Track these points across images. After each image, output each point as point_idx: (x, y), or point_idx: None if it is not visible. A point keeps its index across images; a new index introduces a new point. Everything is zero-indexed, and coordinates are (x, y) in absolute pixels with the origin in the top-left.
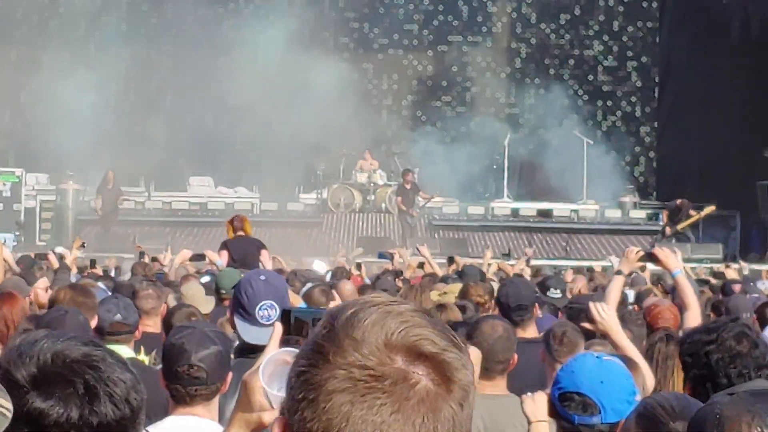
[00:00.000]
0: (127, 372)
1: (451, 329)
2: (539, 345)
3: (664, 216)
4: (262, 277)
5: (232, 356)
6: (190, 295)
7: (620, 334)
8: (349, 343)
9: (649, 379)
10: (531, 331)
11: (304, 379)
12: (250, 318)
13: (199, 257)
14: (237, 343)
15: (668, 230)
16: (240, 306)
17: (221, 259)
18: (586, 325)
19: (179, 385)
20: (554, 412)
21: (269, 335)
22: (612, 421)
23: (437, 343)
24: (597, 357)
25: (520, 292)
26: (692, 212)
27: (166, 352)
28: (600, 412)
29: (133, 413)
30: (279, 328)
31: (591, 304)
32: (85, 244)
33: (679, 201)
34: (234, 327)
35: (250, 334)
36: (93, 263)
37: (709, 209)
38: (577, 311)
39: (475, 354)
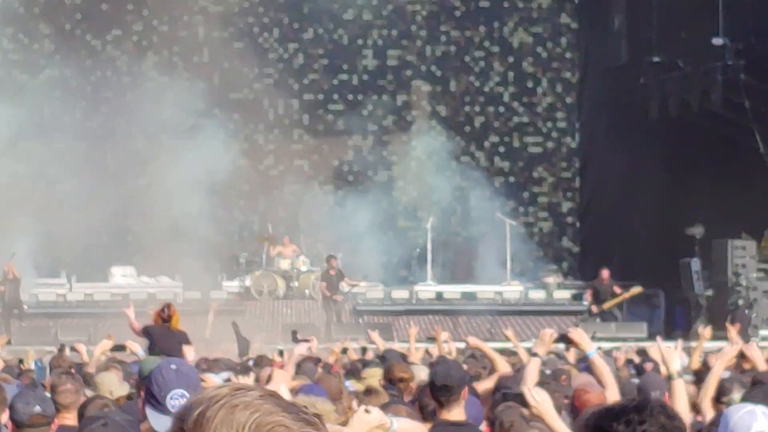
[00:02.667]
0: None
1: (300, 407)
2: (465, 429)
3: (588, 295)
4: (173, 366)
5: None
6: (104, 383)
7: (555, 417)
8: None
9: None
10: (456, 414)
11: None
12: (161, 407)
13: (119, 348)
14: None
15: (594, 309)
16: (151, 395)
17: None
18: (522, 410)
19: None
20: None
21: None
22: None
23: (291, 427)
24: None
25: (449, 372)
26: (617, 290)
27: None
28: None
29: None
30: None
31: (526, 390)
32: (11, 342)
33: (603, 271)
34: (145, 416)
35: (161, 423)
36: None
37: (636, 290)
38: (512, 396)
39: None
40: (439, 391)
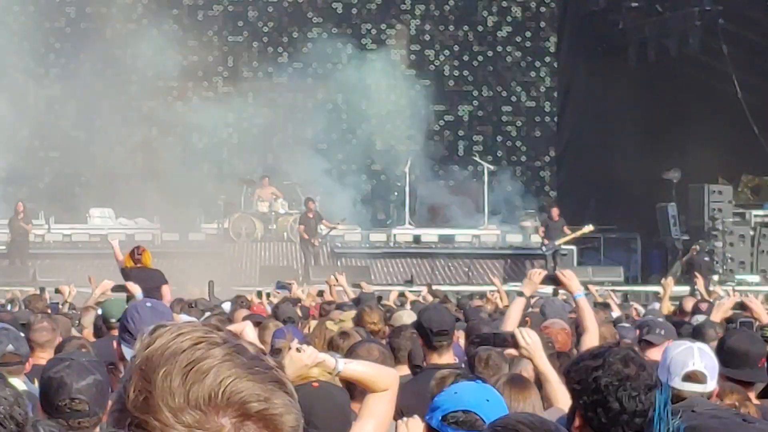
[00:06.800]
0: (6, 389)
1: (265, 360)
2: (460, 369)
3: (540, 231)
4: (149, 305)
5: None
6: (86, 322)
7: (543, 359)
8: (170, 415)
9: (564, 404)
10: (447, 357)
11: None
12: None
13: (120, 288)
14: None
15: (546, 242)
16: (127, 332)
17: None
18: (511, 351)
19: (61, 418)
20: None
21: None
22: None
23: (262, 394)
24: (475, 381)
25: (443, 317)
26: (567, 230)
27: (45, 385)
28: None
29: (18, 428)
30: None
31: (516, 330)
32: None
33: (553, 209)
34: (121, 356)
35: None
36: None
37: (587, 229)
38: (502, 337)
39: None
40: (435, 336)
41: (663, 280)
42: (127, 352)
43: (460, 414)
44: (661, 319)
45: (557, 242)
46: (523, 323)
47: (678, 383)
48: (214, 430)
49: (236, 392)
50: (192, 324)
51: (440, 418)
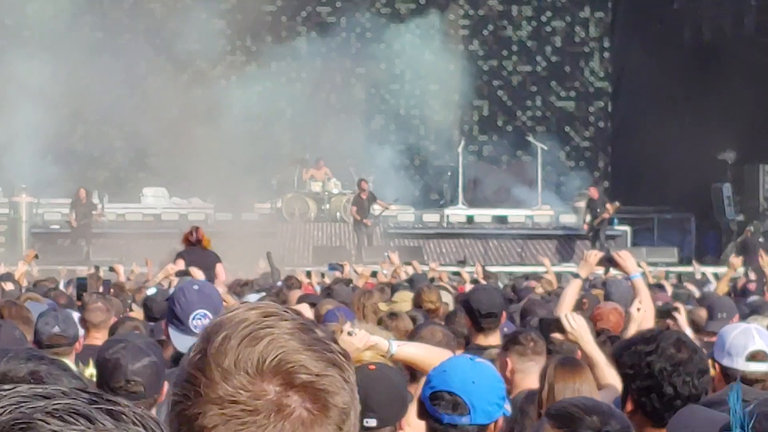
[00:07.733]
0: (73, 379)
1: (327, 344)
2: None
3: (585, 214)
4: (196, 287)
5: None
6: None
7: (591, 343)
8: (218, 374)
9: (617, 383)
10: (492, 339)
11: (179, 410)
12: (183, 327)
13: (184, 273)
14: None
15: (585, 227)
16: (174, 316)
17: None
18: (557, 335)
19: None
20: (424, 411)
21: None
22: (481, 423)
23: (312, 369)
24: (470, 359)
25: (493, 300)
26: (608, 206)
27: (101, 367)
28: (469, 412)
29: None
30: None
31: (562, 315)
32: (38, 256)
33: (591, 189)
34: (168, 337)
35: (184, 343)
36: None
37: (616, 205)
38: (548, 322)
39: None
40: (483, 318)
41: (732, 258)
42: (174, 335)
43: (445, 395)
44: (722, 299)
45: (594, 223)
46: (579, 305)
47: (742, 364)
48: (257, 393)
49: (285, 362)
50: (268, 303)
51: (428, 395)
